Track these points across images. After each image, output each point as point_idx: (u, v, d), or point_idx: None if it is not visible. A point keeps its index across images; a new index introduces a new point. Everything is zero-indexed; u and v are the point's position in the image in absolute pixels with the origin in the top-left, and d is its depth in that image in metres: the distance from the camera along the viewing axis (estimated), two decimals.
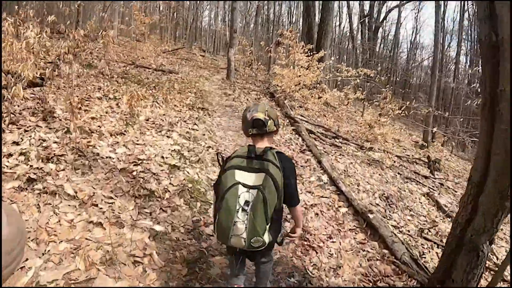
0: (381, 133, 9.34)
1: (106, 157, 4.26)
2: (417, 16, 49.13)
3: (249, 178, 1.88)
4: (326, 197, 4.89)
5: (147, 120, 5.93)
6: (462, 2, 24.08)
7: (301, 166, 6.00)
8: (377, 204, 5.16)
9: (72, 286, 2.44)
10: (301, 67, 10.72)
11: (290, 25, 30.51)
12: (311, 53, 11.22)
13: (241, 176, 1.89)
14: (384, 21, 32.42)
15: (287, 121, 8.98)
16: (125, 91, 7.11)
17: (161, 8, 26.61)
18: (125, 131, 5.13)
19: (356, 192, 5.32)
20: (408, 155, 9.51)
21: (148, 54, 14.20)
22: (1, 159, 3.53)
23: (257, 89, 12.94)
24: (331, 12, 15.21)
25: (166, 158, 4.68)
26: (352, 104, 14.34)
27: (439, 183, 7.55)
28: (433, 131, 12.14)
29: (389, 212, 5.03)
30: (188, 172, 4.53)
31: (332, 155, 7.06)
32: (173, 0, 21.83)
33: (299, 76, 10.60)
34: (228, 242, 1.89)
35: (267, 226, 1.88)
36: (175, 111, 7.14)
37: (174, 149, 5.00)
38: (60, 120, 4.80)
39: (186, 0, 26.78)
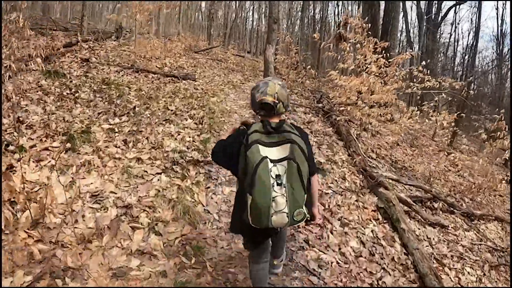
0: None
1: None
2: (478, 15, 41.78)
3: (273, 152, 1.70)
4: None
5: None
6: None
7: None
8: None
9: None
10: (375, 74, 6.62)
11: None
12: (386, 54, 7.06)
13: (264, 151, 1.69)
14: (444, 20, 26.75)
15: (360, 179, 4.99)
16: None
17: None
18: None
19: None
20: None
21: (162, 54, 10.68)
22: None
23: (305, 103, 8.96)
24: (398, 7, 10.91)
25: None
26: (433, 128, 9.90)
27: None
28: None
29: None
30: None
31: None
32: (183, 0, 18.52)
33: (371, 87, 6.50)
34: (269, 223, 1.66)
35: (305, 197, 1.72)
36: (126, 179, 3.43)
37: None
38: None
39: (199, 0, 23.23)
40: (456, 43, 29.27)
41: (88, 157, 3.62)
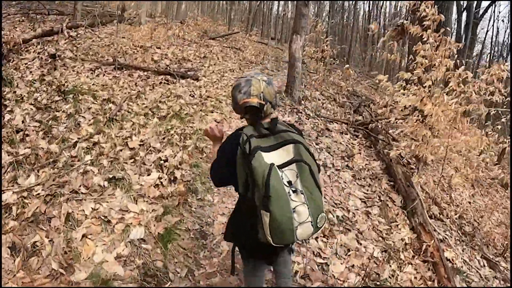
0: None
1: None
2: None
3: (274, 157, 1.44)
4: None
5: None
6: None
7: None
8: None
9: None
10: (450, 88, 4.25)
11: (369, 17, 22.93)
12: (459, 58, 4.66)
13: (268, 158, 1.42)
14: (483, 16, 22.88)
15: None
16: None
17: None
18: None
19: None
20: None
21: (165, 42, 8.56)
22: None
23: (339, 113, 6.67)
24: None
25: None
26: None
27: None
28: None
29: None
30: None
31: None
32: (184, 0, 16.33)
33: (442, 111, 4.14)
34: (294, 238, 1.39)
35: (322, 199, 1.50)
36: None
37: None
38: None
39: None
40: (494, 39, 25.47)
41: None
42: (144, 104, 4.52)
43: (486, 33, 25.97)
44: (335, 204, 3.51)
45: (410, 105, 4.71)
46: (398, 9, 22.60)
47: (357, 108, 7.19)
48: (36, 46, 6.33)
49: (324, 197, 3.53)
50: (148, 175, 2.90)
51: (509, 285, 3.39)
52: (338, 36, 17.35)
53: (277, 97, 1.64)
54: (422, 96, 4.06)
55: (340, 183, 3.89)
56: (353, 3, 20.25)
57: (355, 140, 5.54)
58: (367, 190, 4.11)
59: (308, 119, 5.43)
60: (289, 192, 1.38)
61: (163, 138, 3.51)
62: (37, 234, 2.35)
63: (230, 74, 7.88)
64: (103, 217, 2.42)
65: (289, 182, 1.40)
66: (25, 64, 5.44)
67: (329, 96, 7.68)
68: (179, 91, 5.47)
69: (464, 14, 17.48)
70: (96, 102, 4.39)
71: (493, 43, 24.37)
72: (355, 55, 24.15)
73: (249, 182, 1.41)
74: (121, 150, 3.18)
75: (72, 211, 2.42)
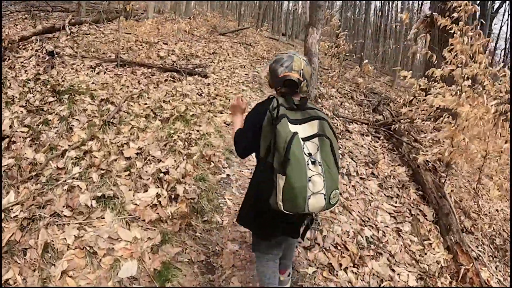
0: None
1: None
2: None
3: (299, 130, 1.44)
4: None
5: None
6: None
7: None
8: None
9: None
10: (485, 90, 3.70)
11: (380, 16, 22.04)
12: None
13: (292, 128, 1.44)
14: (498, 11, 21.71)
15: None
16: None
17: None
18: None
19: None
20: None
21: (172, 37, 8.11)
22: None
23: (358, 112, 6.14)
24: None
25: None
26: None
27: None
28: None
29: None
30: None
31: None
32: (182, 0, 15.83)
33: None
34: (306, 207, 1.38)
35: (339, 176, 1.50)
36: None
37: None
38: None
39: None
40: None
41: None
42: (146, 104, 4.06)
43: (500, 28, 24.81)
44: (363, 221, 3.02)
45: (441, 106, 4.18)
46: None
47: (376, 106, 6.64)
48: (35, 44, 5.94)
49: (351, 213, 3.03)
50: (145, 191, 2.44)
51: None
52: (350, 31, 16.65)
53: (312, 77, 1.60)
54: (461, 96, 3.51)
55: (366, 194, 3.38)
56: None
57: (377, 142, 5.02)
58: (396, 202, 3.60)
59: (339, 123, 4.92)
60: (307, 162, 1.38)
61: (165, 145, 3.05)
62: (11, 268, 1.93)
63: (241, 71, 7.39)
64: (88, 248, 1.97)
65: (309, 154, 1.41)
66: (21, 62, 5.05)
67: (345, 93, 7.14)
68: (185, 89, 5.01)
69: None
70: (93, 103, 3.95)
71: (507, 38, 23.36)
72: (367, 51, 23.41)
73: (271, 146, 1.42)
74: (115, 160, 2.73)
75: (52, 240, 1.99)
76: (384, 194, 3.57)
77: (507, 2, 18.93)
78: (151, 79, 5.20)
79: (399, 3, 25.26)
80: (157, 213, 2.25)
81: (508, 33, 23.24)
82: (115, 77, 5.04)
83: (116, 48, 6.08)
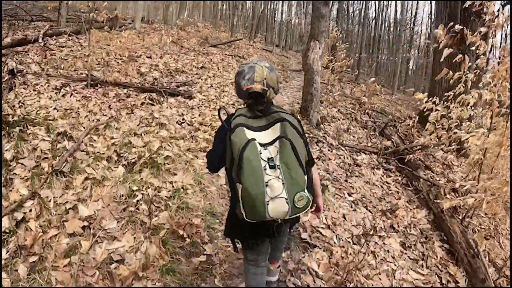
0: None
1: None
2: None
3: (261, 136, 1.41)
4: None
5: None
6: None
7: None
8: None
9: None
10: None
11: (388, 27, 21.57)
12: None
13: (251, 135, 1.40)
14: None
15: None
16: None
17: None
18: None
19: None
20: None
21: (158, 50, 7.35)
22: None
23: (363, 138, 5.41)
24: None
25: None
26: None
27: None
28: None
29: None
30: None
31: None
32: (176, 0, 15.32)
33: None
34: (266, 213, 1.31)
35: (306, 178, 1.38)
36: None
37: None
38: None
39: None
40: None
41: None
42: (112, 138, 3.27)
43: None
44: None
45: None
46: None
47: (382, 129, 5.93)
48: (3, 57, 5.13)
49: None
50: None
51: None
52: (346, 43, 16.08)
53: (279, 82, 1.62)
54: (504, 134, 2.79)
55: (388, 262, 2.62)
56: (361, 7, 18.95)
57: (390, 177, 4.28)
58: (422, 266, 2.84)
59: (332, 151, 4.15)
60: (264, 166, 1.32)
61: (124, 209, 2.26)
62: None
63: (232, 89, 6.65)
64: None
65: (270, 158, 1.35)
66: None
67: (348, 113, 6.42)
68: (165, 114, 4.23)
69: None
70: (47, 138, 3.15)
71: None
72: (361, 62, 22.91)
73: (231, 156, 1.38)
74: (55, 236, 1.93)
75: None
76: (409, 257, 2.81)
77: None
78: (125, 102, 4.41)
79: (391, 14, 24.85)
80: None
81: None
82: (82, 100, 4.25)
83: (90, 64, 5.30)
